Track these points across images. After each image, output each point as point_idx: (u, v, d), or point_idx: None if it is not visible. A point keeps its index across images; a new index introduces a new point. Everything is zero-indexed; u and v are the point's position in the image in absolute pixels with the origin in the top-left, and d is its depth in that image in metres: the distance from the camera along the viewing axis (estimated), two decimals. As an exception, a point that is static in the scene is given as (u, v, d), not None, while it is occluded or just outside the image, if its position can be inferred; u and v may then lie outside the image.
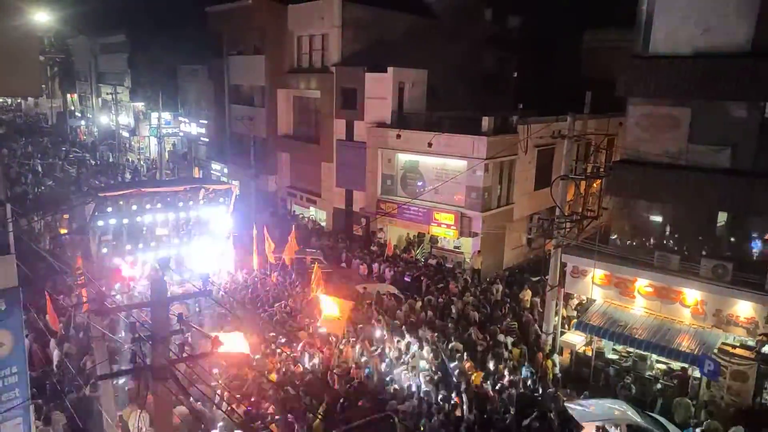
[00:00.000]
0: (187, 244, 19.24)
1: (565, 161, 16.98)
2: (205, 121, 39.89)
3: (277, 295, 19.42)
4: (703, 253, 15.73)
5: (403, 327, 17.10)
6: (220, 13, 35.95)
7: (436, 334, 16.57)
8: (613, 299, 16.77)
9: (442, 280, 21.52)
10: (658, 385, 15.39)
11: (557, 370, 16.11)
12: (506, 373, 14.80)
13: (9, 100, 72.40)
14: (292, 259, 21.18)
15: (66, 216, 24.11)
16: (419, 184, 25.19)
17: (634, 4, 16.46)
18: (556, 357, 16.56)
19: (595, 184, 19.61)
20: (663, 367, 15.81)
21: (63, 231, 23.58)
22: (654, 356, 15.59)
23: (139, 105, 48.66)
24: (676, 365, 15.39)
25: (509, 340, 16.62)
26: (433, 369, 14.87)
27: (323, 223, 30.47)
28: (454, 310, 18.51)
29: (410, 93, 26.90)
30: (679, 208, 16.64)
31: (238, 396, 12.96)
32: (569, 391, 15.29)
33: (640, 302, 16.30)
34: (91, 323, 10.66)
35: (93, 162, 44.82)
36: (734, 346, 14.66)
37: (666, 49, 15.97)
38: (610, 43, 30.05)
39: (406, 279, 21.79)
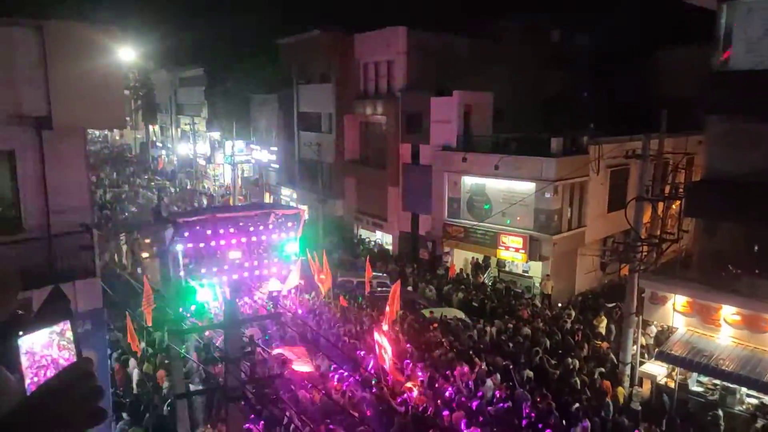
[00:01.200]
0: (258, 267, 19.77)
1: (640, 182, 16.30)
2: (276, 148, 41.26)
3: (344, 319, 19.55)
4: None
5: (470, 352, 16.76)
6: (290, 44, 37.39)
7: (505, 361, 16.14)
8: (696, 327, 15.76)
9: (510, 304, 21.02)
10: (758, 423, 14.17)
11: (637, 403, 15.24)
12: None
13: (96, 132, 77.77)
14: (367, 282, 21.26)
15: (147, 240, 25.42)
16: (486, 207, 24.88)
17: (709, 20, 15.77)
18: (636, 389, 15.69)
19: (674, 206, 18.67)
20: (755, 401, 14.65)
21: (144, 255, 24.81)
22: (744, 390, 14.48)
23: (215, 134, 51.09)
24: (769, 400, 14.23)
25: (598, 370, 15.95)
26: (502, 397, 14.45)
27: (389, 247, 30.58)
28: (522, 337, 17.99)
29: (476, 116, 26.78)
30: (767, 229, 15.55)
31: (305, 418, 13.05)
32: (653, 426, 14.41)
33: (726, 331, 15.23)
34: (169, 344, 11.08)
35: (173, 189, 47.22)
36: (836, 380, 13.42)
37: (747, 63, 15.15)
38: (683, 60, 28.87)
39: (474, 304, 21.43)
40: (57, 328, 1.37)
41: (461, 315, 19.90)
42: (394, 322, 18.84)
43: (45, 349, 1.34)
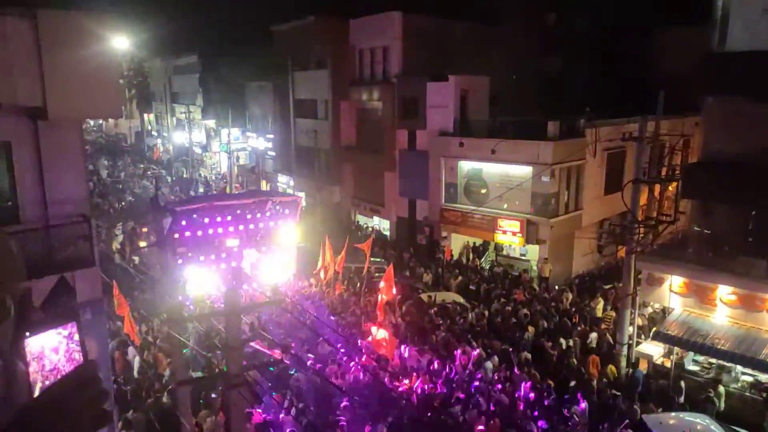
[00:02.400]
0: (256, 255, 19.83)
1: (636, 164, 16.34)
2: (272, 136, 41.16)
3: (344, 303, 19.66)
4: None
5: (469, 335, 16.91)
6: (285, 31, 37.11)
7: (504, 344, 16.30)
8: (692, 308, 15.91)
9: (507, 287, 21.15)
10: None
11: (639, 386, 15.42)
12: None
13: (91, 122, 77.35)
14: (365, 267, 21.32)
15: (145, 229, 25.42)
16: (483, 191, 24.90)
17: (708, 1, 15.72)
18: (641, 372, 15.87)
19: (671, 188, 18.72)
20: (750, 379, 14.84)
21: (142, 244, 24.85)
22: (739, 368, 14.67)
23: (210, 122, 50.89)
24: (764, 377, 14.40)
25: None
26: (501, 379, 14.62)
27: (386, 233, 30.64)
28: (519, 319, 18.13)
29: (472, 100, 26.71)
30: (763, 210, 15.63)
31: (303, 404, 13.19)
32: (650, 405, 14.59)
33: (722, 311, 15.38)
34: (170, 332, 11.15)
35: (169, 178, 47.14)
36: (831, 358, 13.58)
37: (744, 44, 15.13)
38: (681, 42, 28.75)
39: (471, 288, 21.55)
40: (65, 330, 1.38)
41: (459, 299, 20.02)
42: (391, 305, 18.99)
43: (53, 354, 1.36)
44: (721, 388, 14.78)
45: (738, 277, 14.85)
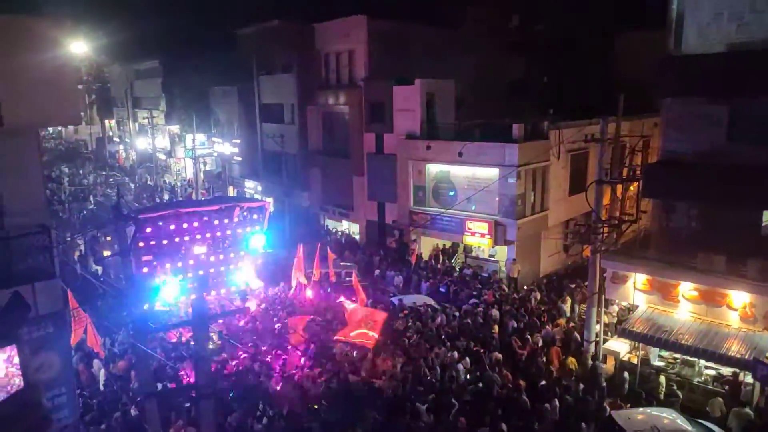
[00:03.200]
0: (225, 262, 19.58)
1: (599, 165, 16.68)
2: (238, 141, 40.69)
3: (315, 307, 19.52)
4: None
5: (443, 337, 16.99)
6: (249, 35, 36.76)
7: (475, 345, 16.42)
8: (656, 304, 16.33)
9: (477, 289, 21.33)
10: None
11: (603, 379, 15.72)
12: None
13: (50, 129, 75.23)
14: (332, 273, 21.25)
15: (109, 238, 24.80)
16: (451, 194, 25.08)
17: (665, 4, 16.17)
18: (600, 365, 16.18)
19: (632, 188, 19.18)
20: (712, 372, 15.28)
21: (106, 253, 24.24)
22: (702, 362, 15.09)
23: (174, 128, 50.01)
24: (726, 371, 14.85)
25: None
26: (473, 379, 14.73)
27: (356, 237, 30.60)
28: (489, 320, 18.30)
29: (438, 103, 26.91)
30: (721, 208, 16.16)
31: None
32: (618, 401, 14.89)
33: (685, 306, 15.82)
34: (135, 343, 10.90)
35: (132, 185, 46.13)
36: (788, 349, 14.07)
37: (699, 47, 15.63)
38: (641, 45, 29.52)
39: (441, 290, 21.67)
40: (3, 354, 1.32)
41: (430, 301, 20.10)
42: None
43: None
44: (662, 378, 15.21)
45: (699, 273, 15.29)
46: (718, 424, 13.25)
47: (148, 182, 48.06)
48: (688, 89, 15.97)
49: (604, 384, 15.44)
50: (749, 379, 14.02)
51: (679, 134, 16.28)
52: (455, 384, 14.49)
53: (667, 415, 12.99)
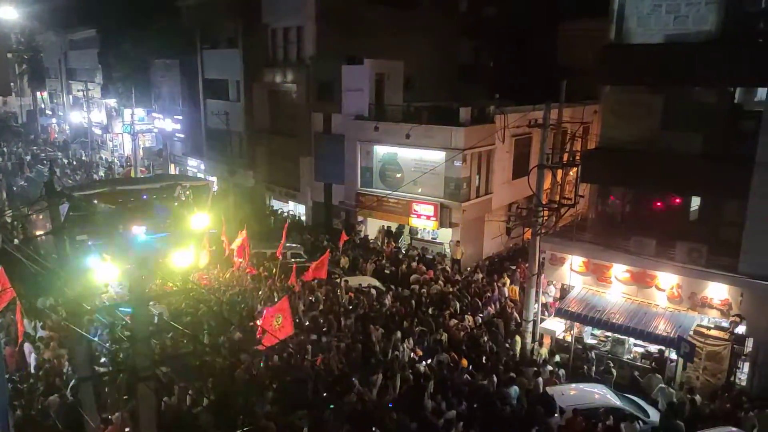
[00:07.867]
0: (165, 242, 19.05)
1: (541, 150, 17.11)
2: (180, 117, 39.39)
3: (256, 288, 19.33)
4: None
5: (386, 317, 17.18)
6: (193, 5, 35.37)
7: (418, 327, 16.69)
8: (591, 285, 17.03)
9: (422, 271, 21.61)
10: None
11: (541, 356, 16.33)
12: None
13: (-24, 100, 70.77)
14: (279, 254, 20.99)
15: (41, 216, 23.63)
16: (398, 176, 25.19)
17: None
18: (536, 345, 16.80)
19: (571, 172, 19.80)
20: (641, 350, 16.12)
21: (38, 232, 23.12)
22: (632, 340, 15.88)
23: (112, 101, 47.83)
24: (653, 348, 15.70)
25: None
26: (418, 359, 15.00)
27: (303, 218, 30.36)
28: (433, 300, 18.63)
29: (387, 84, 26.82)
30: (653, 193, 16.94)
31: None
32: (553, 377, 15.47)
33: (617, 287, 16.58)
34: (69, 325, 10.51)
35: (66, 161, 44.02)
36: (709, 328, 14.99)
37: (639, 37, 16.19)
38: (585, 33, 30.29)
39: (387, 271, 21.85)
40: None
41: (376, 282, 20.24)
42: (310, 289, 18.95)
43: None
44: (594, 354, 16.05)
45: (631, 256, 16.03)
46: (646, 400, 14.03)
47: (83, 158, 45.97)
48: (627, 78, 16.56)
49: (541, 361, 16.04)
50: (674, 356, 14.88)
51: (617, 121, 16.89)
52: (397, 362, 14.71)
53: (598, 390, 13.66)
